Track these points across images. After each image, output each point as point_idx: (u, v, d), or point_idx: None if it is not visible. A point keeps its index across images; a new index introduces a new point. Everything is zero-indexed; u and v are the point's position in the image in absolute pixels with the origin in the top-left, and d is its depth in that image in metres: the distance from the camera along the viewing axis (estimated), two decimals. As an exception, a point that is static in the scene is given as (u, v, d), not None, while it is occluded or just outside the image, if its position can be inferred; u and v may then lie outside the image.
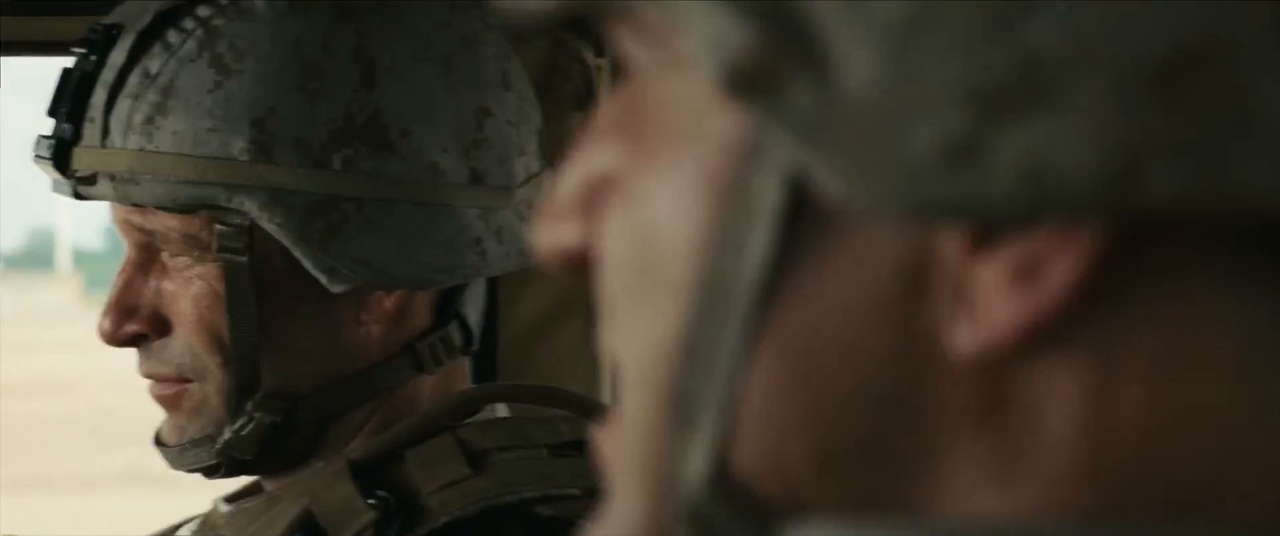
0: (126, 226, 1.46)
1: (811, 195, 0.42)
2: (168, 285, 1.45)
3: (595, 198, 0.48)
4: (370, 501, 1.39)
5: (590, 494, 1.41)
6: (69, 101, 1.45)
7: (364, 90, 1.42)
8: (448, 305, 1.49)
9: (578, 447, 1.45)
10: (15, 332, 23.32)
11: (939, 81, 0.39)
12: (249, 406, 1.44)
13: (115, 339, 1.46)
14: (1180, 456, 0.41)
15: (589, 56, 1.88)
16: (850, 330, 0.42)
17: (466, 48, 1.46)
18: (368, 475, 1.42)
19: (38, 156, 1.47)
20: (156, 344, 1.46)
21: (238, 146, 1.41)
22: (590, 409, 1.50)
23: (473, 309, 1.51)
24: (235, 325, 1.42)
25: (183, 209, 1.42)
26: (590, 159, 0.49)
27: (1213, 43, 0.38)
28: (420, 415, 1.46)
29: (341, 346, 1.45)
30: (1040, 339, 0.41)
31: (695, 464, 0.44)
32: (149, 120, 1.43)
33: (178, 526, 1.54)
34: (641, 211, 0.46)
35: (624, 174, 0.47)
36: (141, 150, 1.42)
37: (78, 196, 1.46)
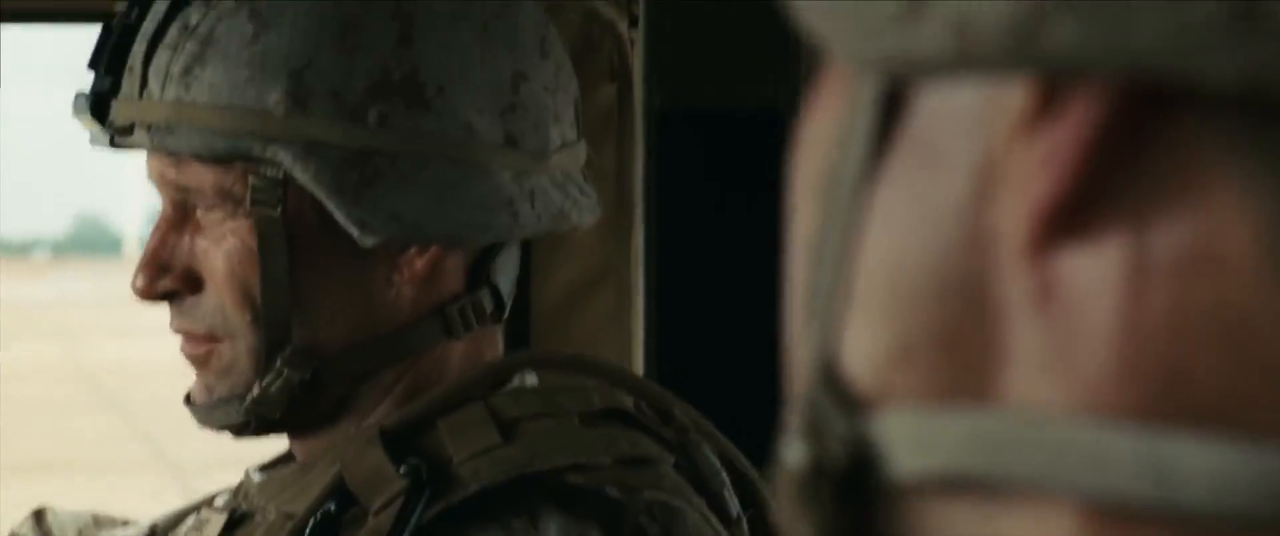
0: (161, 182, 1.46)
1: (900, 90, 0.44)
2: (201, 242, 1.45)
3: None
4: (402, 469, 1.38)
5: (620, 463, 1.40)
6: (109, 55, 1.46)
7: (401, 47, 1.42)
8: (479, 271, 1.48)
9: (610, 416, 1.44)
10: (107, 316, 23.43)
11: None
12: (278, 363, 1.43)
13: (150, 295, 1.46)
14: (1212, 362, 0.40)
15: (623, 29, 1.87)
16: (927, 218, 0.43)
17: (505, 12, 1.46)
18: (399, 442, 1.41)
19: (77, 110, 1.47)
20: (189, 301, 1.45)
21: (273, 98, 1.41)
22: (622, 378, 1.49)
23: (505, 277, 1.50)
24: (266, 280, 1.42)
25: (217, 159, 1.42)
26: None
27: None
28: (452, 383, 1.45)
29: (372, 306, 1.45)
30: (1070, 220, 0.41)
31: (808, 354, 0.46)
32: (187, 71, 1.42)
33: (212, 497, 1.54)
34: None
35: None
36: (178, 101, 1.42)
37: (114, 146, 1.46)
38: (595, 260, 1.86)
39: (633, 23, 1.86)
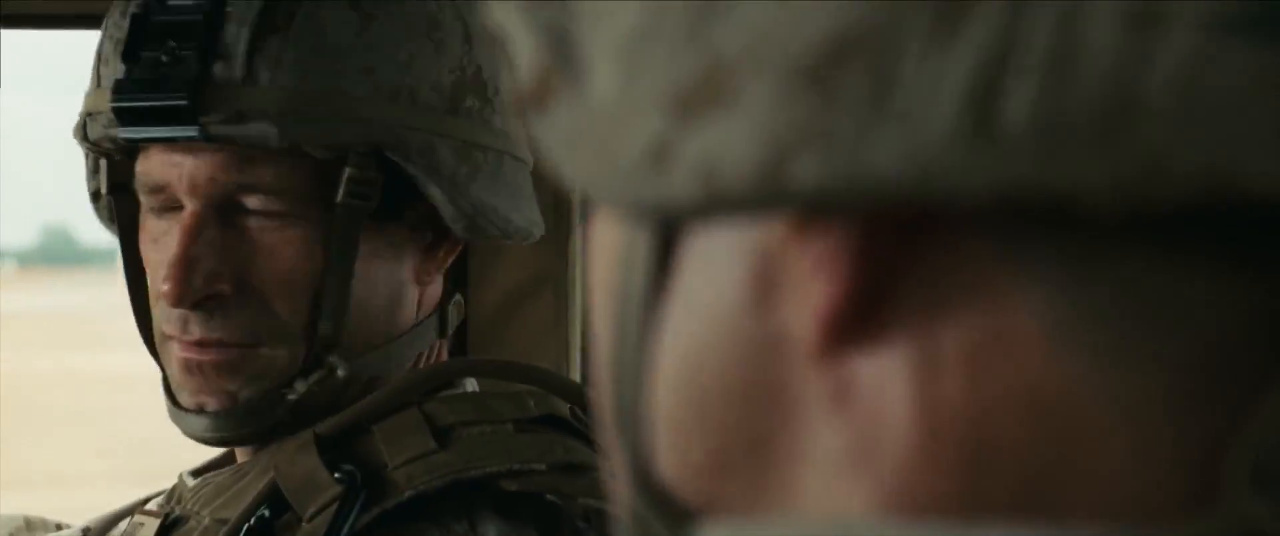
0: (211, 183, 1.39)
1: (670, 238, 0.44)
2: (246, 245, 1.40)
3: None
4: (336, 475, 1.37)
5: (556, 469, 1.39)
6: (203, 37, 1.37)
7: (467, 46, 1.43)
8: (457, 272, 1.50)
9: (546, 423, 1.43)
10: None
11: (649, 87, 0.40)
12: (330, 359, 1.41)
13: (184, 301, 1.39)
14: (1012, 444, 0.40)
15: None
16: (717, 330, 0.43)
17: None
18: (333, 448, 1.39)
19: (121, 99, 1.37)
20: (226, 305, 1.40)
21: (388, 89, 1.39)
22: (557, 385, 1.48)
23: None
24: (337, 276, 1.39)
25: (343, 148, 1.38)
26: None
27: (870, 32, 0.37)
28: (386, 389, 1.43)
29: (403, 303, 1.45)
30: (855, 323, 0.41)
31: (626, 466, 0.46)
32: (300, 60, 1.38)
33: (146, 500, 1.52)
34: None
35: None
36: (297, 89, 1.38)
37: (208, 139, 1.37)
38: (532, 268, 1.85)
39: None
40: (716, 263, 0.42)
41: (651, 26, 0.40)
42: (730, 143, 0.39)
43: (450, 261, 1.46)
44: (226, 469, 1.47)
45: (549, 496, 1.38)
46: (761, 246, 0.42)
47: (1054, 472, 0.39)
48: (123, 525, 1.51)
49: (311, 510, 1.36)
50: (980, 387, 0.40)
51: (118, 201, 1.48)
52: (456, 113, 1.41)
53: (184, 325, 1.40)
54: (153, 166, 1.41)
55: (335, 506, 1.36)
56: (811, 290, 0.41)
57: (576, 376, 1.82)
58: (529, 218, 1.47)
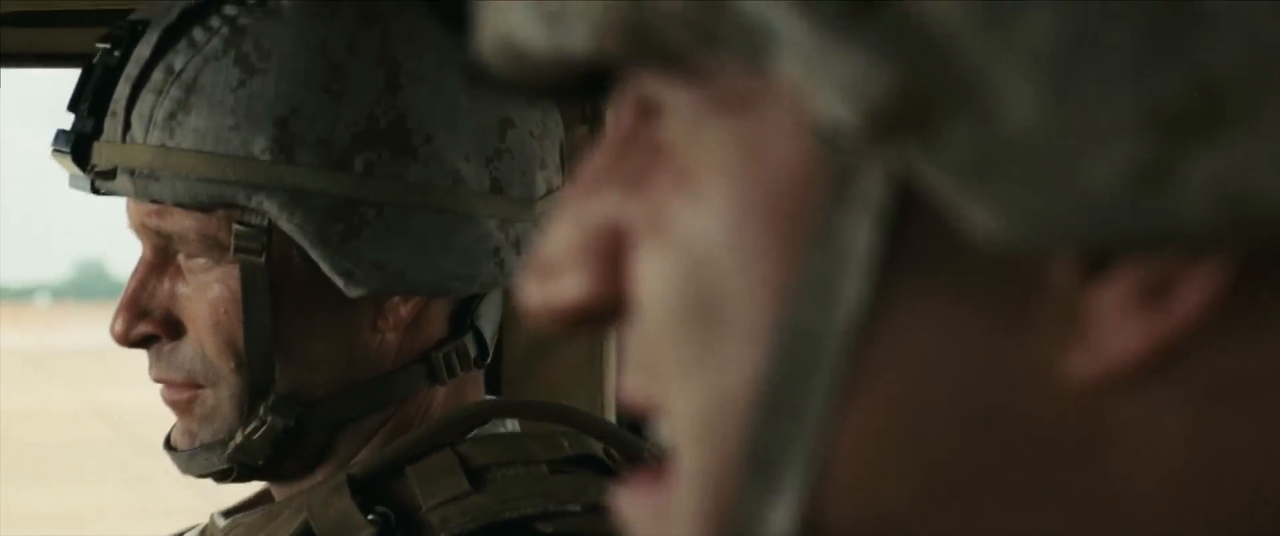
0: (143, 228, 1.42)
1: (908, 236, 0.40)
2: (182, 288, 1.41)
3: (607, 246, 0.45)
4: (370, 517, 1.35)
5: (591, 510, 1.37)
6: (91, 96, 1.41)
7: (387, 94, 1.38)
8: (463, 316, 1.45)
9: (579, 463, 1.41)
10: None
11: (1110, 108, 0.36)
12: (261, 410, 1.39)
13: (127, 340, 1.41)
14: None
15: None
16: (952, 367, 0.40)
17: None
18: (367, 490, 1.37)
19: (56, 150, 1.42)
20: (167, 347, 1.41)
21: (259, 146, 1.37)
22: (592, 425, 1.46)
23: (488, 321, 1.47)
24: (250, 327, 1.38)
25: (201, 207, 1.38)
26: (588, 208, 0.45)
27: None
28: (421, 430, 1.41)
29: (356, 352, 1.41)
30: (1159, 365, 0.38)
31: (779, 523, 0.41)
32: (171, 116, 1.38)
33: (178, 538, 1.51)
34: (690, 253, 0.42)
35: (650, 217, 0.44)
36: (163, 146, 1.38)
37: (96, 191, 1.41)
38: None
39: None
40: (960, 297, 0.40)
41: (1084, 40, 0.37)
42: (1256, 169, 0.36)
43: (413, 310, 1.41)
44: (258, 509, 1.45)
45: (583, 538, 1.36)
46: (1024, 281, 0.39)
47: None
48: (153, 565, 1.49)
49: (345, 552, 1.34)
50: (1264, 429, 0.38)
51: None
52: (343, 167, 1.37)
53: (149, 364, 1.43)
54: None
55: (369, 549, 1.34)
56: (1119, 328, 0.38)
57: (610, 416, 1.80)
58: (443, 271, 1.39)
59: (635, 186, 0.45)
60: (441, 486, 1.37)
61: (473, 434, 1.42)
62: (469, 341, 1.45)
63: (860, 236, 0.40)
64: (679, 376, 0.43)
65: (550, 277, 0.46)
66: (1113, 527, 0.39)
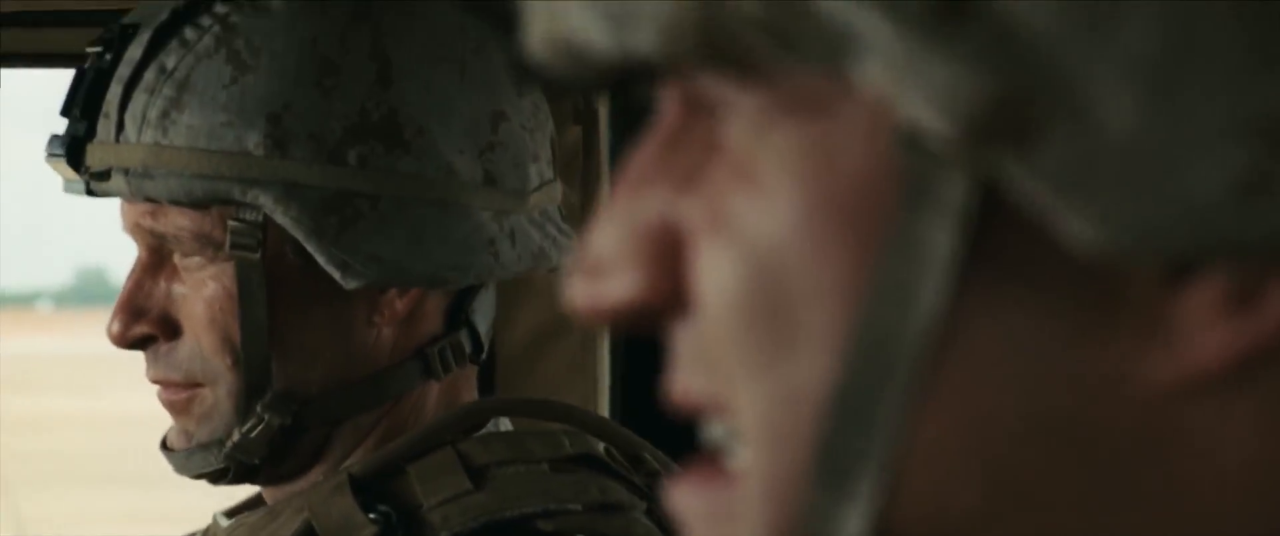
0: (137, 229, 1.41)
1: (988, 241, 0.39)
2: (178, 287, 1.40)
3: (659, 244, 0.44)
4: (371, 516, 1.35)
5: (591, 509, 1.37)
6: (83, 98, 1.40)
7: (379, 88, 1.38)
8: (458, 311, 1.44)
9: (580, 462, 1.40)
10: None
11: (1212, 116, 0.36)
12: (258, 408, 1.38)
13: (124, 341, 1.41)
14: None
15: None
16: (1028, 370, 0.39)
17: (481, 51, 1.41)
18: (368, 488, 1.37)
19: (51, 154, 1.41)
20: (165, 347, 1.40)
21: (253, 141, 1.36)
22: (592, 423, 1.46)
23: (483, 317, 1.46)
24: (246, 324, 1.37)
25: (196, 204, 1.37)
26: (637, 206, 0.44)
27: None
28: (421, 428, 1.40)
29: (353, 348, 1.40)
30: (1242, 369, 0.38)
31: (853, 525, 0.40)
32: (164, 115, 1.37)
33: (178, 541, 1.51)
34: (755, 252, 0.41)
35: (708, 216, 0.43)
36: (156, 144, 1.37)
37: (91, 193, 1.40)
38: (559, 305, 1.83)
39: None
40: (1039, 300, 0.39)
41: (1184, 47, 0.36)
42: None
43: (408, 305, 1.41)
44: (260, 509, 1.45)
45: (583, 537, 1.36)
46: (1104, 285, 0.38)
47: None
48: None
49: (347, 551, 1.34)
50: None
51: None
52: (336, 161, 1.37)
53: (146, 365, 1.42)
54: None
55: (371, 547, 1.34)
56: (1204, 332, 0.37)
57: (603, 412, 1.80)
58: (439, 262, 1.38)
59: (688, 184, 0.44)
60: (442, 485, 1.36)
61: (475, 433, 1.42)
62: (464, 337, 1.44)
63: (940, 241, 0.39)
64: (744, 376, 0.42)
65: (599, 277, 0.45)
66: (1181, 528, 0.39)
